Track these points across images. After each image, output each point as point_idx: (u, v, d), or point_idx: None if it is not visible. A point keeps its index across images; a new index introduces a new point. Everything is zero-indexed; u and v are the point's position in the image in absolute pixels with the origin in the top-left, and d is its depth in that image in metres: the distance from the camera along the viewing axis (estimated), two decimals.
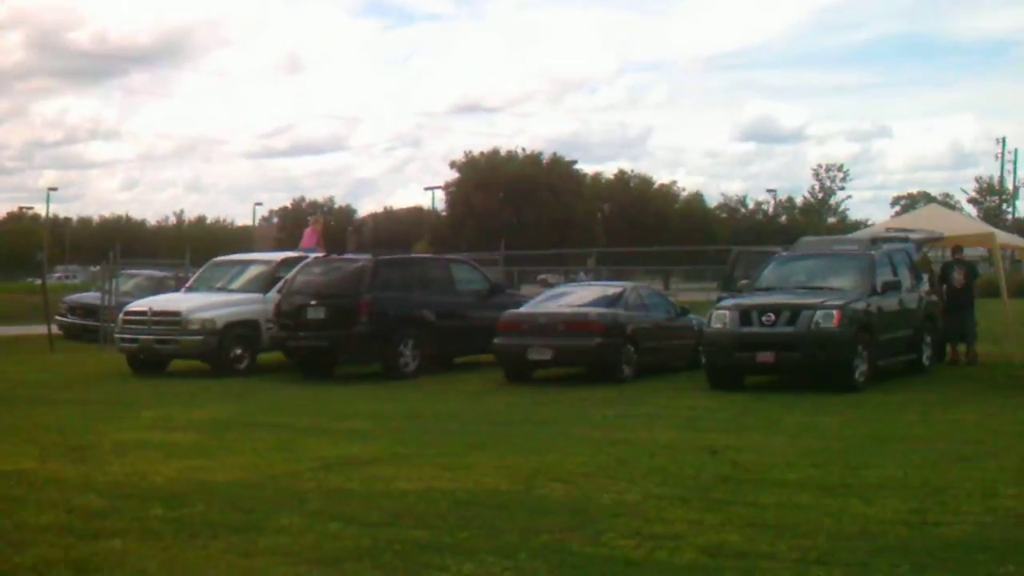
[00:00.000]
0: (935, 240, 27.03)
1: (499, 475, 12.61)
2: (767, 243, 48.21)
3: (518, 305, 25.79)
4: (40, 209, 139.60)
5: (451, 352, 27.06)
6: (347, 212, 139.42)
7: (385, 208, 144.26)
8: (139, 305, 27.64)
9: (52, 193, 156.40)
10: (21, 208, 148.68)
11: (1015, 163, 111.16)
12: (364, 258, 26.55)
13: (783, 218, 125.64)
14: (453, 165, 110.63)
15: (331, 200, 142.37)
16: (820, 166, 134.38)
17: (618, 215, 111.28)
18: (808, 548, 9.16)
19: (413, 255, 32.84)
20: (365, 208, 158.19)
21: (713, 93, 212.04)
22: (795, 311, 21.31)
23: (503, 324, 24.04)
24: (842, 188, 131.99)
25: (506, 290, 29.81)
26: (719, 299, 25.19)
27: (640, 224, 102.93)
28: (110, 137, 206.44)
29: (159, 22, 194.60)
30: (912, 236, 25.60)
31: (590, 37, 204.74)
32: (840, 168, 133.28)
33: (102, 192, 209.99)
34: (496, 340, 23.96)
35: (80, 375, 26.91)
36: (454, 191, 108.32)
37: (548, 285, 44.59)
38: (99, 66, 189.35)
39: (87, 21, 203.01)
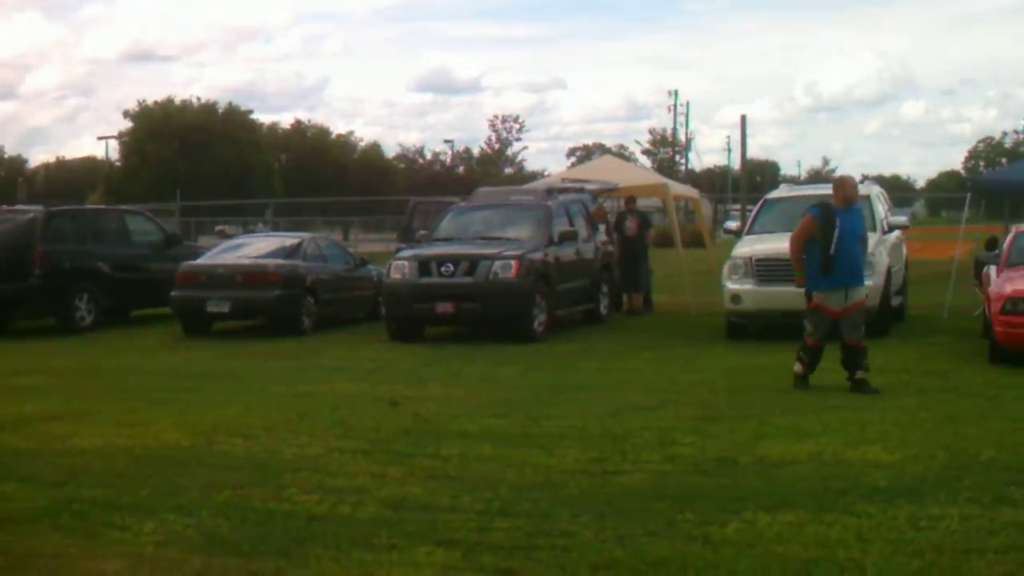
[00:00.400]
0: (610, 191, 27.47)
1: (179, 431, 12.39)
2: (445, 194, 48.48)
3: (195, 257, 25.27)
4: None
5: (128, 305, 26.37)
6: (17, 162, 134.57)
7: (57, 158, 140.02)
8: None
9: None
10: None
11: (687, 115, 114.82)
12: (36, 209, 25.76)
13: (460, 169, 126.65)
14: (127, 114, 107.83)
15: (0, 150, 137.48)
16: (496, 117, 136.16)
17: (295, 165, 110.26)
18: (491, 499, 9.21)
19: (87, 206, 31.87)
20: (37, 158, 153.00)
21: (389, 44, 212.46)
22: (473, 261, 21.33)
23: (180, 276, 23.54)
24: (518, 139, 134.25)
25: (183, 242, 29.24)
26: (398, 250, 25.13)
27: (318, 174, 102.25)
28: None
29: None
30: (587, 187, 25.87)
31: None
32: (516, 119, 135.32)
33: None
34: (173, 293, 23.46)
35: None
36: (127, 141, 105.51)
37: (226, 236, 44.05)
38: None
39: None
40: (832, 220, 14.59)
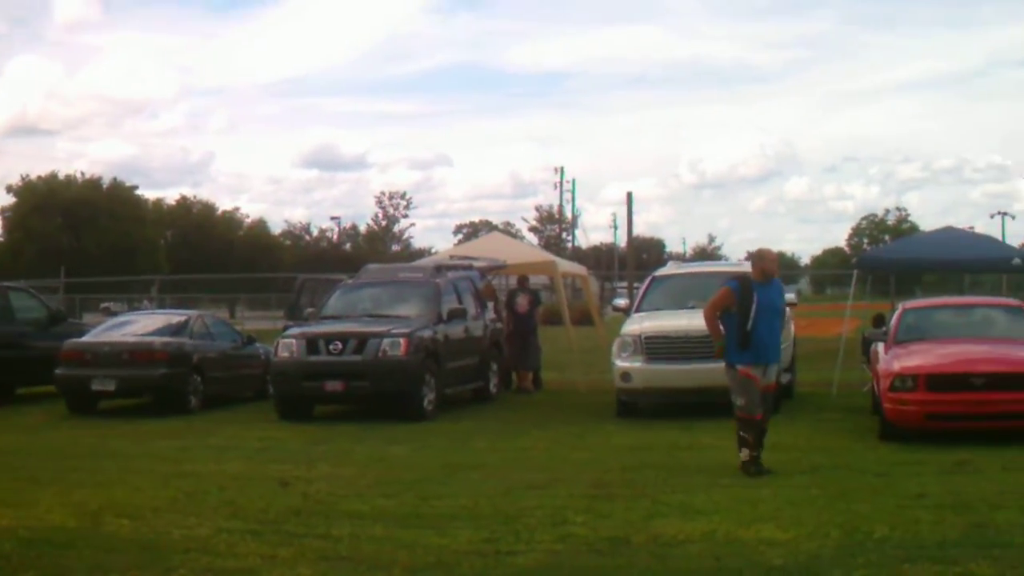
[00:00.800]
0: (498, 268, 27.53)
1: (64, 511, 12.14)
2: (332, 271, 48.34)
3: (80, 334, 24.89)
4: None
5: (11, 383, 25.77)
6: None
7: None
8: None
9: None
10: None
11: (573, 193, 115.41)
12: None
13: (347, 245, 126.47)
14: (9, 189, 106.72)
15: None
16: (383, 194, 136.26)
17: (181, 241, 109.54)
18: None
19: None
20: None
21: (274, 119, 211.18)
22: (362, 339, 21.22)
23: (65, 354, 23.13)
24: (405, 216, 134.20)
25: (67, 319, 28.82)
26: (285, 328, 24.96)
27: (204, 251, 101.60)
28: None
29: None
30: (476, 264, 25.92)
31: (149, 61, 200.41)
32: (403, 196, 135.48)
33: None
34: (58, 371, 23.03)
35: None
36: (10, 216, 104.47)
37: (111, 313, 43.51)
38: None
39: None
40: (750, 294, 14.31)
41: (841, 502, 12.19)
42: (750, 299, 14.25)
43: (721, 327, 14.53)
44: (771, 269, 14.75)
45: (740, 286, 14.44)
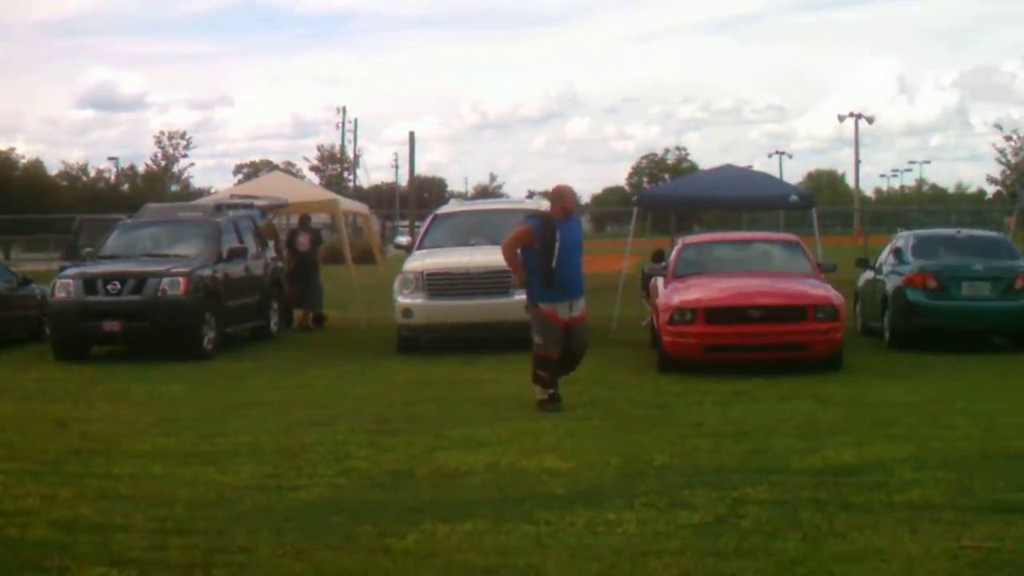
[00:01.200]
0: (280, 207, 27.30)
1: None
2: (111, 211, 47.41)
3: None
4: None
5: None
6: None
7: None
8: None
9: None
10: None
11: (355, 133, 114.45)
12: None
13: (126, 186, 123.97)
14: None
15: None
16: (163, 134, 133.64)
17: None
18: (165, 518, 9.10)
19: None
20: None
21: (50, 59, 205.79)
22: (141, 279, 20.93)
23: None
24: (185, 156, 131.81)
25: None
26: (62, 268, 24.49)
27: None
28: None
29: None
30: (257, 203, 25.72)
31: None
32: (183, 136, 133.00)
33: None
34: None
35: None
36: None
37: None
38: None
39: None
40: (552, 232, 14.12)
41: (621, 433, 12.46)
42: (553, 237, 14.10)
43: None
44: (571, 206, 14.72)
45: (542, 224, 14.32)
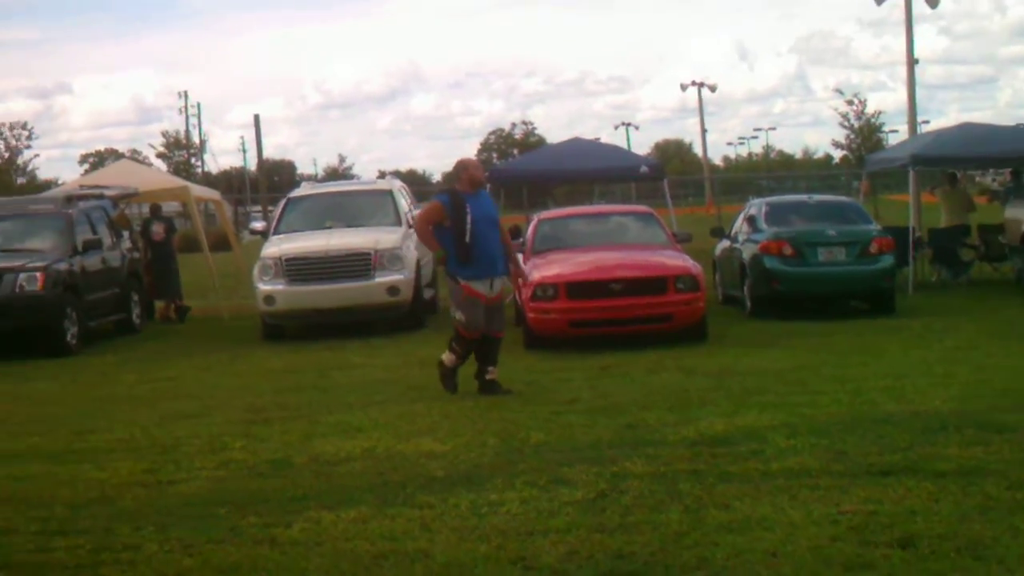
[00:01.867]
0: (130, 196, 26.93)
1: None
2: None
3: None
4: None
5: None
6: None
7: None
8: None
9: None
10: None
11: (199, 116, 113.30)
12: None
13: None
14: None
15: None
16: (3, 124, 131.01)
17: None
18: (47, 519, 9.05)
19: None
20: None
21: None
22: None
23: None
24: (29, 147, 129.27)
25: None
26: None
27: None
28: None
29: None
30: (107, 193, 25.37)
31: None
32: (24, 126, 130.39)
33: None
34: None
35: None
36: None
37: None
38: None
39: None
40: (462, 206, 13.71)
41: (495, 412, 12.58)
42: (463, 211, 13.68)
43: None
44: (478, 177, 14.26)
45: (451, 199, 13.88)
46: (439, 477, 9.71)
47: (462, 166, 14.42)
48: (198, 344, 21.17)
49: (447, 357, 14.03)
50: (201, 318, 25.84)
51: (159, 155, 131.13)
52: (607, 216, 22.00)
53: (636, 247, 19.37)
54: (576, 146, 29.15)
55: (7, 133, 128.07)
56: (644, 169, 27.70)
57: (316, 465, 10.49)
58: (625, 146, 75.49)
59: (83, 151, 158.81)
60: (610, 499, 8.75)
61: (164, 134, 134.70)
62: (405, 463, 10.34)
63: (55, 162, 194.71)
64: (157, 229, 26.71)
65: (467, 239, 13.64)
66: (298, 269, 20.70)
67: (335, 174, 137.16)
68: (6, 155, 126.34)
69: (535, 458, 10.22)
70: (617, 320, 17.37)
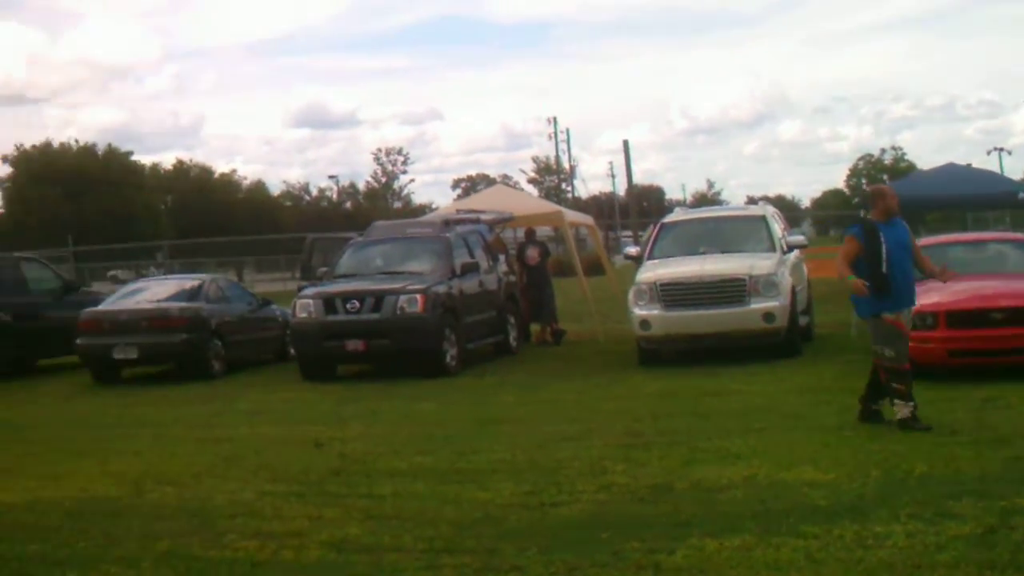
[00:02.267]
0: (505, 220, 27.45)
1: (106, 481, 12.24)
2: (335, 229, 48.24)
3: (96, 303, 24.87)
4: None
5: (31, 354, 25.75)
6: None
7: None
8: None
9: None
10: None
11: (568, 142, 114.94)
12: None
13: (348, 204, 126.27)
14: (5, 160, 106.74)
15: None
16: (380, 150, 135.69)
17: (181, 206, 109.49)
18: (433, 537, 9.19)
19: None
20: None
21: (262, 79, 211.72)
22: (379, 297, 21.16)
23: (83, 323, 23.07)
24: (404, 172, 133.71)
25: (80, 288, 28.81)
26: (300, 288, 24.96)
27: (204, 215, 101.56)
28: None
29: None
30: (483, 217, 25.87)
31: (129, 24, 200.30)
32: (400, 152, 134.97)
33: None
34: (78, 340, 23.00)
35: None
36: (9, 187, 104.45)
37: (119, 281, 43.56)
38: None
39: None
40: (876, 236, 13.27)
41: (876, 442, 12.25)
42: (877, 241, 13.21)
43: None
44: (893, 206, 13.62)
45: (864, 230, 13.43)
46: (822, 507, 9.50)
47: (878, 194, 13.96)
48: (575, 367, 21.35)
49: (899, 411, 13.13)
50: (577, 341, 26.10)
51: (530, 180, 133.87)
52: (986, 243, 21.26)
53: (1017, 276, 18.62)
54: (949, 172, 28.41)
55: (383, 159, 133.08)
56: (1022, 195, 26.78)
57: (697, 491, 10.40)
58: (998, 171, 73.09)
59: (455, 176, 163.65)
60: (1000, 535, 8.41)
61: (534, 159, 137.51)
62: (787, 491, 10.17)
63: (428, 187, 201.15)
64: (532, 253, 27.12)
65: (883, 269, 13.16)
66: (673, 294, 20.61)
67: (703, 199, 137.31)
68: (383, 180, 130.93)
69: (919, 490, 9.91)
70: (1000, 351, 16.67)
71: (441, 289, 21.71)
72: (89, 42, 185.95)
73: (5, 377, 23.91)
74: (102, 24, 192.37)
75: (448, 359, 21.11)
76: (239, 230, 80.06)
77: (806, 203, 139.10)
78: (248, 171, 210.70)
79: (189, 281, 25.47)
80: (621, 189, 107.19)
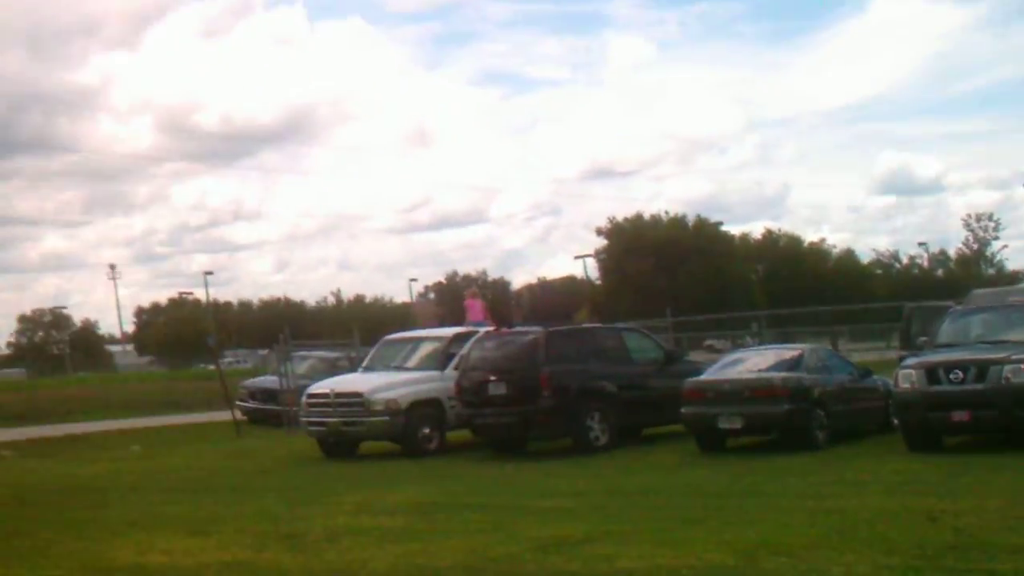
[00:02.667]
0: None
1: (720, 550, 12.47)
2: (928, 298, 47.52)
3: (697, 372, 25.56)
4: (199, 294, 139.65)
5: (636, 423, 26.62)
6: (501, 284, 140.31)
7: (539, 279, 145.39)
8: (321, 387, 27.99)
9: (208, 277, 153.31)
10: (181, 294, 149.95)
11: None
12: (535, 330, 26.33)
13: (939, 271, 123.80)
14: (599, 232, 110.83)
15: (484, 273, 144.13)
16: (970, 216, 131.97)
17: (771, 276, 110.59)
18: None
19: (584, 325, 32.61)
20: (517, 279, 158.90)
21: (843, 147, 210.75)
22: (982, 367, 20.76)
23: (688, 392, 23.79)
24: (996, 238, 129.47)
25: (683, 358, 29.58)
26: (901, 358, 24.81)
27: (795, 284, 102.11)
28: (253, 218, 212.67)
29: (281, 102, 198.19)
30: None
31: (711, 96, 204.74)
32: (991, 217, 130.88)
33: (255, 274, 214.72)
34: (683, 409, 23.74)
35: (272, 461, 27.35)
36: (604, 258, 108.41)
37: (716, 351, 44.46)
38: (230, 148, 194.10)
39: (211, 104, 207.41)
40: None
41: None
42: None
43: None
44: None
45: None
46: None
47: None
48: None
49: None
50: None
51: None
52: None
53: None
54: None
55: (974, 224, 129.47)
56: None
57: None
58: None
59: None
60: None
61: None
62: None
63: (1019, 253, 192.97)
64: None
65: None
66: None
67: None
68: (975, 246, 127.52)
69: None
70: None
71: None
72: (672, 115, 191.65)
73: (614, 446, 24.85)
74: (684, 97, 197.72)
75: None
76: (829, 299, 79.84)
77: None
78: (836, 239, 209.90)
79: (789, 351, 25.70)
80: None
